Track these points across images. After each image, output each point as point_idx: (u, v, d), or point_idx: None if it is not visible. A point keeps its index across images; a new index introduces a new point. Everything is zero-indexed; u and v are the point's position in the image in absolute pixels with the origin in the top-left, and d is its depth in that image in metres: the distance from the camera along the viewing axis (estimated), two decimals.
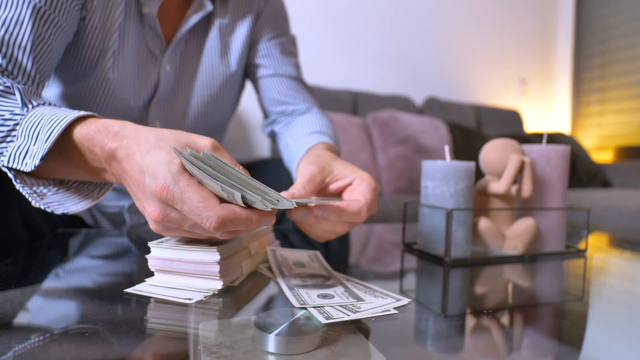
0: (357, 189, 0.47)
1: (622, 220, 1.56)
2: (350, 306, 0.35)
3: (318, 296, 0.37)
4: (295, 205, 0.35)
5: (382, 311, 0.35)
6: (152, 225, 0.37)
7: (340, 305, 0.35)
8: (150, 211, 0.36)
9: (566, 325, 0.37)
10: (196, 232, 0.36)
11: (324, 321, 0.31)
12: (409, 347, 0.30)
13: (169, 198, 0.34)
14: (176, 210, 0.35)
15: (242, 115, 2.12)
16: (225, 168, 0.34)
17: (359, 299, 0.37)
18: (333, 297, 0.37)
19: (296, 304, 0.35)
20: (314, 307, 0.34)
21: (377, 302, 0.37)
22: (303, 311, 0.33)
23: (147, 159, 0.36)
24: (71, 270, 0.49)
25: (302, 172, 0.50)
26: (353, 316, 0.33)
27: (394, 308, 0.36)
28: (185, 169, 0.34)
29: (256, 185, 0.34)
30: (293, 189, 0.46)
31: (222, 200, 0.35)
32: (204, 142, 0.38)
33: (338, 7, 2.38)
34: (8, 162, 0.45)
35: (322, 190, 0.51)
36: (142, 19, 0.68)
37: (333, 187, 0.50)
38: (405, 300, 0.37)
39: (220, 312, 0.35)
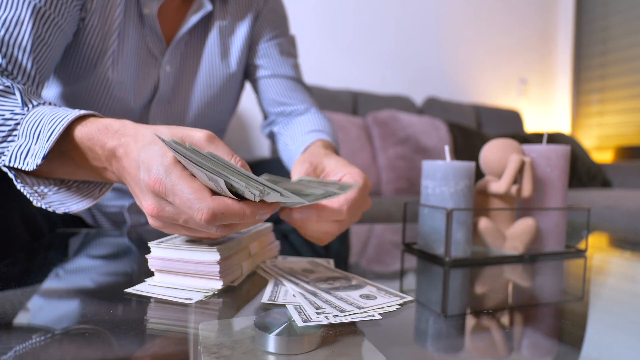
0: None
1: (622, 220, 1.56)
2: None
3: (361, 296, 0.37)
4: (281, 194, 0.34)
5: (366, 316, 0.34)
6: (150, 221, 0.37)
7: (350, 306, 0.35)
8: (146, 206, 0.36)
9: (566, 325, 0.37)
10: (192, 227, 0.36)
11: (300, 323, 0.30)
12: (409, 347, 0.30)
13: (162, 190, 0.34)
14: (170, 204, 0.35)
15: (242, 115, 2.12)
16: (210, 158, 0.33)
17: (401, 297, 0.37)
18: (376, 297, 0.37)
19: (356, 310, 0.34)
20: (287, 303, 0.34)
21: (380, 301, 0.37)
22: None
23: (142, 154, 0.36)
24: (71, 270, 0.49)
25: (297, 171, 0.50)
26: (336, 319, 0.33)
27: (380, 314, 0.34)
28: (179, 161, 0.34)
29: (242, 172, 0.33)
30: None
31: (214, 193, 0.34)
32: (199, 135, 0.37)
33: (338, 8, 2.38)
34: (9, 161, 0.45)
35: None
36: (142, 19, 0.68)
37: None
38: (405, 298, 0.37)
39: (220, 312, 0.35)
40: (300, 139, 0.72)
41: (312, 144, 0.67)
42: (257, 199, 0.33)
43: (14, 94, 0.48)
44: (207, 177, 0.32)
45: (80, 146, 0.43)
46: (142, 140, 0.37)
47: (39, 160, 0.43)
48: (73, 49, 0.65)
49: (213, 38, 0.75)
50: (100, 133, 0.41)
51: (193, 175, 0.34)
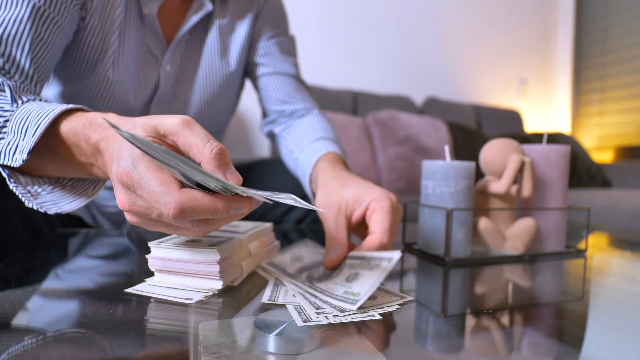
0: (372, 217, 0.47)
1: (622, 220, 1.56)
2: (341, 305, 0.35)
3: (347, 280, 0.38)
4: (243, 193, 0.32)
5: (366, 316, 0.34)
6: (127, 217, 0.35)
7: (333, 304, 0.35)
8: (118, 200, 0.34)
9: (566, 325, 0.37)
10: (166, 222, 0.34)
11: (300, 324, 0.31)
12: (409, 347, 0.30)
13: (130, 183, 0.32)
14: (141, 198, 0.33)
15: (242, 115, 2.12)
16: (164, 151, 0.30)
17: (401, 297, 0.38)
18: (376, 297, 0.37)
19: (354, 309, 0.34)
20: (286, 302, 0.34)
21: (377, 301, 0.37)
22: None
23: (116, 146, 0.35)
24: (71, 270, 0.49)
25: (327, 221, 0.49)
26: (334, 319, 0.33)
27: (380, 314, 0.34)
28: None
29: (199, 169, 0.30)
30: (333, 247, 0.46)
31: (184, 186, 0.32)
32: (173, 120, 0.35)
33: (338, 8, 2.38)
34: None
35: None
36: (142, 19, 0.68)
37: (354, 219, 0.49)
38: (405, 298, 0.37)
39: (220, 312, 0.35)
40: (308, 149, 0.72)
41: (320, 161, 0.65)
42: (218, 189, 0.31)
43: (3, 90, 0.48)
44: (168, 168, 0.30)
45: (67, 141, 0.42)
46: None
47: (24, 156, 0.42)
48: (73, 48, 0.65)
49: (213, 37, 0.75)
50: (85, 127, 0.40)
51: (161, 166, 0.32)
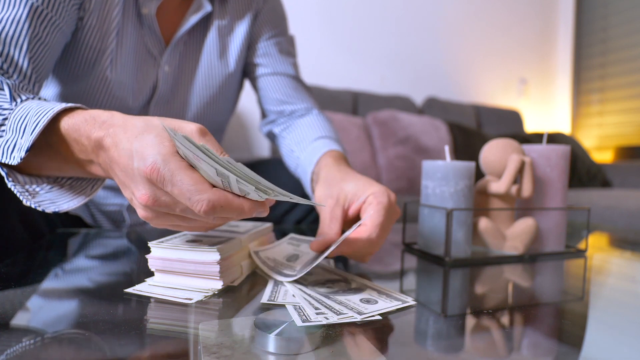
0: (367, 210, 0.46)
1: (622, 220, 1.56)
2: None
3: (361, 301, 0.37)
4: (290, 197, 0.35)
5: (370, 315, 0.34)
6: (142, 212, 0.36)
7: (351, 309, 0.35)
8: (139, 195, 0.35)
9: (566, 325, 0.37)
10: (188, 216, 0.35)
11: (300, 323, 0.31)
12: (409, 347, 0.30)
13: (159, 179, 0.33)
14: (167, 194, 0.34)
15: (242, 115, 2.12)
16: (217, 156, 0.33)
17: (403, 301, 0.37)
18: (377, 302, 0.37)
19: (356, 315, 0.33)
20: (288, 302, 0.34)
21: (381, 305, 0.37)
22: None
23: (135, 143, 0.35)
24: (71, 270, 0.49)
25: (323, 212, 0.49)
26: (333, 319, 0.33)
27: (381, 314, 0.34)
28: (177, 151, 0.33)
29: (249, 175, 0.33)
30: (323, 234, 0.46)
31: (213, 186, 0.34)
32: (190, 127, 0.36)
33: (339, 7, 2.38)
34: None
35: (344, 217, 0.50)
36: (141, 19, 0.68)
37: (351, 212, 0.49)
38: (407, 302, 0.37)
39: (220, 312, 0.35)
40: (309, 148, 0.71)
41: (323, 158, 0.65)
42: (263, 199, 0.33)
43: (2, 89, 0.48)
44: (216, 172, 0.32)
45: (66, 138, 0.42)
46: (132, 129, 0.36)
47: (22, 154, 0.42)
48: (71, 48, 0.65)
49: (212, 38, 0.75)
50: (87, 124, 0.40)
51: (191, 166, 0.33)
